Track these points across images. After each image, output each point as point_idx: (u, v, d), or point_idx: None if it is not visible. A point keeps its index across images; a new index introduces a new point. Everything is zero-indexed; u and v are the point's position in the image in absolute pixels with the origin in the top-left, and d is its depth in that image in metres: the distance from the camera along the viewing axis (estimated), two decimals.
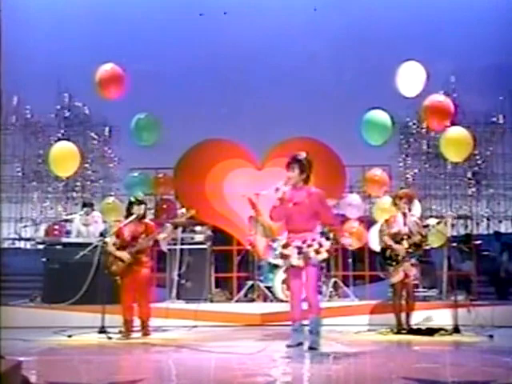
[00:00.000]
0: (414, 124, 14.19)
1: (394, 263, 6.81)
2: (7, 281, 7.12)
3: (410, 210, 7.01)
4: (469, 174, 14.21)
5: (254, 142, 9.61)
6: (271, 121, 12.63)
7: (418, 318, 7.22)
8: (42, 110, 14.38)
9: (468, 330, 6.79)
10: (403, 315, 6.86)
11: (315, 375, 4.78)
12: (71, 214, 10.96)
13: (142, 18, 14.04)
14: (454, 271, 8.16)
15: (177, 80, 13.68)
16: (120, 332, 6.58)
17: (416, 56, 8.02)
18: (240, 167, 8.98)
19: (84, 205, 8.95)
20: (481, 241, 10.58)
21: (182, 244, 8.38)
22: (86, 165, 13.99)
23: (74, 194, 14.50)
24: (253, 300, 8.28)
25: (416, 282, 6.96)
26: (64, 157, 8.37)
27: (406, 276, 6.78)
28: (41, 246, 8.99)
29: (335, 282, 8.37)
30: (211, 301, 8.28)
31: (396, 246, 6.79)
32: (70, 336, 6.62)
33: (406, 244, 6.77)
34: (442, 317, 7.39)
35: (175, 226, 7.82)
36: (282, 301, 7.84)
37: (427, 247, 7.66)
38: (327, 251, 5.71)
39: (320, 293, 8.11)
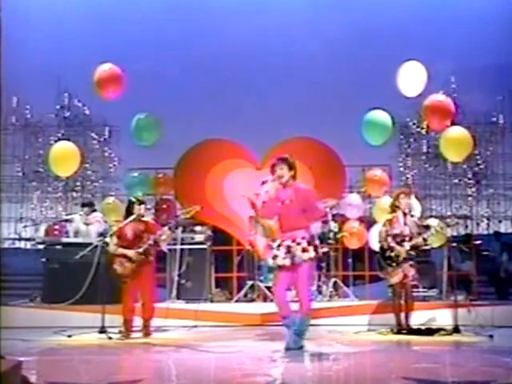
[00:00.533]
0: (414, 124, 14.21)
1: (393, 264, 6.80)
2: (7, 281, 7.08)
3: (409, 209, 7.01)
4: (469, 174, 14.22)
5: (254, 142, 9.60)
6: (271, 121, 12.64)
7: (420, 318, 7.22)
8: (41, 110, 14.41)
9: (468, 329, 6.78)
10: (403, 315, 6.86)
11: (315, 375, 4.78)
12: (71, 213, 10.95)
13: (141, 18, 14.07)
14: (453, 271, 8.15)
15: (177, 80, 13.70)
16: (120, 332, 6.58)
17: (416, 56, 7.99)
18: (240, 167, 8.96)
19: (83, 205, 8.94)
20: (481, 241, 10.58)
21: (182, 244, 8.38)
22: (86, 165, 13.99)
23: (74, 194, 14.51)
24: (253, 300, 8.27)
25: (414, 282, 6.95)
26: (64, 157, 8.36)
27: (405, 276, 6.78)
28: (41, 246, 8.97)
29: (335, 282, 8.36)
30: (211, 301, 8.27)
31: (398, 248, 6.79)
32: (69, 336, 6.62)
33: (407, 246, 6.76)
34: (441, 317, 7.39)
35: (176, 226, 7.81)
36: None
37: (427, 247, 7.67)
38: (315, 250, 5.57)
39: (320, 293, 8.16)
